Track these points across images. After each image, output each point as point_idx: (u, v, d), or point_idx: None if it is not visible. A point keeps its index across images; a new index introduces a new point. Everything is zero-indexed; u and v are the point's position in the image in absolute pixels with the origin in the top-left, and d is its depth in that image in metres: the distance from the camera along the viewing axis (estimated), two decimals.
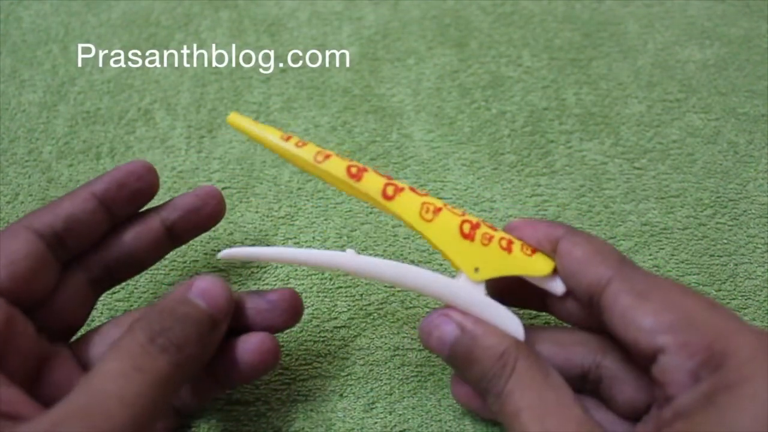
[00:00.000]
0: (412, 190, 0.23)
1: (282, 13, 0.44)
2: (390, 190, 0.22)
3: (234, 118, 0.23)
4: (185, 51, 0.42)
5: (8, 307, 0.22)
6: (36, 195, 0.35)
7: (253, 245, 0.31)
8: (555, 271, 0.23)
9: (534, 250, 0.23)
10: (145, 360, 0.20)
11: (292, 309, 0.25)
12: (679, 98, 0.38)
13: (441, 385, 0.27)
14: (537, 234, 0.23)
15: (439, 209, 0.23)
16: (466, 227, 0.22)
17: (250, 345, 0.24)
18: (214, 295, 0.22)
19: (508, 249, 0.23)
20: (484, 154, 0.36)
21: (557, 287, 0.23)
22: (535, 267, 0.23)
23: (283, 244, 0.32)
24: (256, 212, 0.34)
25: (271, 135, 0.23)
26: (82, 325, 0.26)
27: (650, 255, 0.31)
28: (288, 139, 0.23)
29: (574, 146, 0.36)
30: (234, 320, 0.24)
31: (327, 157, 0.23)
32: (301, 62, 0.41)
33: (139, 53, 0.42)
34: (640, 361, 0.20)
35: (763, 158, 0.35)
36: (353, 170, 0.22)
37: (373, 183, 0.22)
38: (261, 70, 0.40)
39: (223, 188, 0.35)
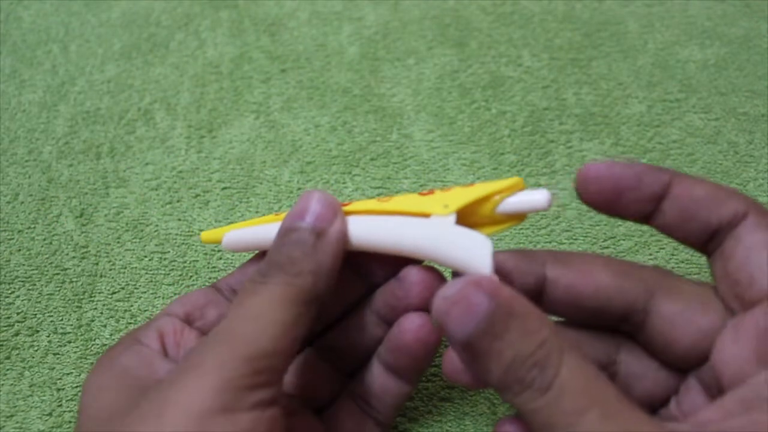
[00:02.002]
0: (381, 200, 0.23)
1: (282, 13, 0.44)
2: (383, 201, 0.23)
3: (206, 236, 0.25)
4: (185, 51, 0.42)
5: (181, 323, 0.24)
6: (36, 195, 0.35)
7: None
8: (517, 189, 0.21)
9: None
10: (258, 287, 0.21)
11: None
12: (679, 98, 0.38)
13: (442, 385, 0.27)
14: (636, 179, 0.21)
15: (388, 198, 0.23)
16: (425, 191, 0.23)
17: (405, 328, 0.23)
18: (311, 207, 0.22)
19: (470, 185, 0.22)
20: (484, 154, 0.36)
21: (541, 200, 0.21)
22: (503, 184, 0.21)
23: None
24: (257, 212, 0.34)
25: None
26: (321, 396, 0.25)
27: (650, 255, 0.31)
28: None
29: (575, 146, 0.36)
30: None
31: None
32: (301, 62, 0.41)
33: (139, 53, 0.42)
34: (738, 302, 0.20)
35: (763, 158, 0.35)
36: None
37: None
38: (261, 70, 0.40)
39: (223, 188, 0.35)
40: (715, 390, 0.20)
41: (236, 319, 0.20)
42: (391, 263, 0.23)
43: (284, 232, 0.22)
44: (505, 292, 0.18)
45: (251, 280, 0.21)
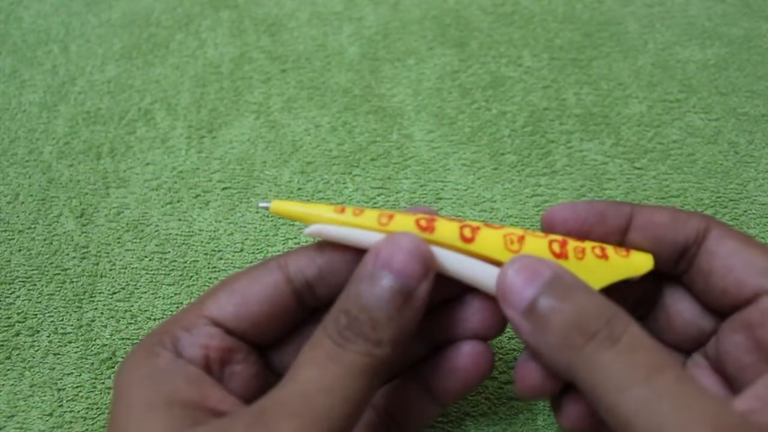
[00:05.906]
0: (488, 225, 0.22)
1: (282, 13, 0.44)
2: (467, 232, 0.21)
3: (277, 206, 0.22)
4: (185, 51, 0.42)
5: (228, 338, 0.21)
6: (36, 195, 0.35)
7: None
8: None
9: (628, 250, 0.22)
10: (338, 352, 0.19)
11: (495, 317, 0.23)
12: (680, 98, 0.38)
13: None
14: (599, 215, 0.22)
15: (523, 237, 0.22)
16: (556, 246, 0.22)
17: (464, 352, 0.22)
18: (400, 261, 0.19)
19: (604, 256, 0.22)
20: (485, 154, 0.36)
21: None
22: (637, 266, 0.22)
23: (284, 245, 0.32)
24: (257, 212, 0.34)
25: (324, 211, 0.22)
26: None
27: None
28: (343, 210, 0.22)
29: (575, 146, 0.36)
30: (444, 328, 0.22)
31: (391, 217, 0.21)
32: (301, 62, 0.41)
33: (140, 53, 0.42)
34: (730, 306, 0.21)
35: (763, 158, 0.35)
36: (423, 223, 0.21)
37: (447, 230, 0.21)
38: (261, 70, 0.40)
39: (223, 188, 0.35)
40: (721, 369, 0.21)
41: (311, 387, 0.18)
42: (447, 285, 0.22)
43: (368, 277, 0.20)
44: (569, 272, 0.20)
45: (328, 334, 0.19)
